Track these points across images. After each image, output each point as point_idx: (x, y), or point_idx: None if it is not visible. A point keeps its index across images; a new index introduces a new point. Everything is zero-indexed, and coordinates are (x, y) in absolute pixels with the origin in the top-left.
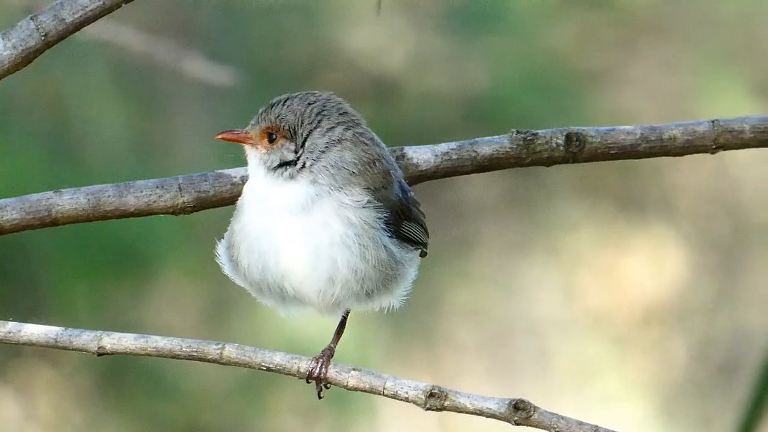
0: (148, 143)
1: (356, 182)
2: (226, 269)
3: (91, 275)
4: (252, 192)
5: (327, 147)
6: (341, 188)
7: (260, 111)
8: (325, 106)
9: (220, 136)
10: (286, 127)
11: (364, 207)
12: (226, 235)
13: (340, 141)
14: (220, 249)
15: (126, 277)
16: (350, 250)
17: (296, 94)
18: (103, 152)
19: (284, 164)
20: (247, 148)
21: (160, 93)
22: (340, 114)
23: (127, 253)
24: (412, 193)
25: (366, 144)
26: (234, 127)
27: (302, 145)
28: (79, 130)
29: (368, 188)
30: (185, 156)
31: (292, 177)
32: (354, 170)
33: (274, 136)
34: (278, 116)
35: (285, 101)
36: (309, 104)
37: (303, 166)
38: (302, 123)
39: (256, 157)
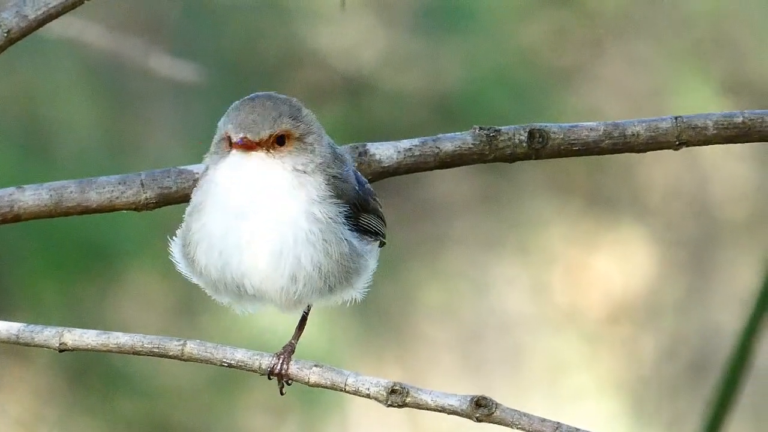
0: (118, 141)
1: (324, 176)
2: (180, 267)
3: (57, 272)
4: (240, 192)
5: (321, 143)
6: (314, 183)
7: (246, 116)
8: (301, 106)
9: (235, 150)
10: (298, 131)
11: (328, 202)
12: (179, 233)
13: (323, 137)
14: (174, 247)
15: (93, 275)
16: (314, 246)
17: (265, 95)
18: (72, 150)
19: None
20: (254, 154)
21: (129, 90)
22: (306, 110)
23: (94, 251)
24: (368, 185)
25: (326, 139)
26: (201, 124)
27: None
28: (47, 128)
29: (331, 182)
30: (155, 153)
31: (310, 176)
32: (326, 165)
33: (281, 140)
34: (285, 120)
35: (270, 103)
36: (295, 106)
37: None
38: (307, 124)
39: (274, 162)
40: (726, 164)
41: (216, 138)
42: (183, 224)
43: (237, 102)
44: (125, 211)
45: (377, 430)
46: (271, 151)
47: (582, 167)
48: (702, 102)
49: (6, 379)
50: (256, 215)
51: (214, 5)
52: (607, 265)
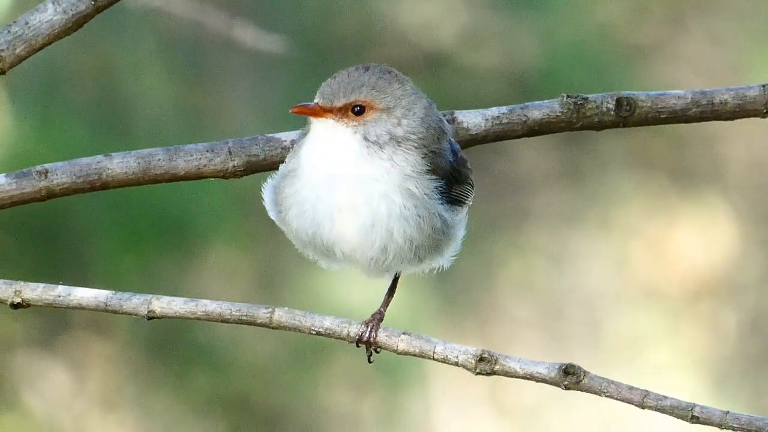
0: (197, 113)
1: (420, 152)
2: (271, 215)
3: (138, 245)
4: (320, 160)
5: (410, 118)
6: (407, 158)
7: (328, 84)
8: (398, 78)
9: (295, 110)
10: (382, 103)
11: (424, 177)
12: (271, 182)
13: (415, 112)
14: (266, 193)
15: (173, 248)
16: (407, 222)
17: (360, 66)
18: (151, 122)
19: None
20: (324, 121)
21: (208, 63)
22: (410, 85)
23: (174, 223)
24: (461, 153)
25: (431, 111)
26: (283, 97)
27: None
28: (127, 100)
29: (427, 156)
30: (233, 126)
31: (384, 148)
32: (422, 140)
33: (358, 109)
34: (364, 90)
35: (356, 74)
36: (385, 78)
37: (394, 139)
38: (395, 97)
39: (346, 130)
40: None
41: None
42: (277, 177)
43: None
44: (208, 182)
45: (459, 406)
46: (344, 119)
47: (664, 141)
48: None
49: (86, 355)
50: (348, 186)
51: None
52: (688, 240)
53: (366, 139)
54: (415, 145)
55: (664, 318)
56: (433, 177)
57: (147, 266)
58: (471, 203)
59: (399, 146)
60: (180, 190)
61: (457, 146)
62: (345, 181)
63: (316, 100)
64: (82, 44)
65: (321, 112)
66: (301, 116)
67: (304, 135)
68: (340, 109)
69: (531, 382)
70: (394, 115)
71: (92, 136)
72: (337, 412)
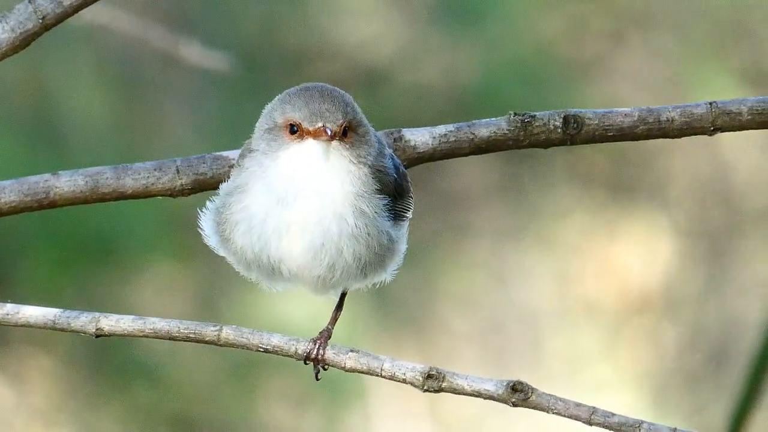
0: (138, 129)
1: (371, 170)
2: (211, 241)
3: (79, 262)
4: (279, 177)
5: (370, 135)
6: (361, 177)
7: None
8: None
9: (317, 137)
10: (354, 122)
11: (374, 196)
12: (211, 206)
13: (370, 129)
14: (204, 221)
15: (116, 265)
16: (357, 240)
17: (316, 86)
18: (93, 139)
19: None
20: (334, 143)
21: (148, 79)
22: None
23: (117, 240)
24: (402, 167)
25: (372, 130)
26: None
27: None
28: (67, 117)
29: (376, 174)
30: (175, 143)
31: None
32: (374, 158)
33: (345, 131)
34: (349, 110)
35: (330, 93)
36: (347, 97)
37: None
38: (357, 114)
39: (344, 152)
40: (747, 154)
41: (265, 125)
42: (217, 199)
43: (293, 91)
44: (141, 201)
45: (399, 420)
46: (341, 141)
47: (603, 157)
48: (722, 94)
49: (26, 370)
50: (301, 203)
51: None
52: (628, 256)
53: (358, 160)
54: (369, 163)
55: (603, 333)
56: (382, 194)
57: (88, 284)
58: (411, 216)
59: (366, 166)
60: (121, 206)
61: (398, 160)
62: (300, 199)
63: (315, 123)
64: (22, 60)
65: (333, 135)
66: (243, 132)
67: (248, 151)
68: (338, 131)
69: (474, 398)
70: (361, 133)
71: (34, 155)
72: (278, 427)
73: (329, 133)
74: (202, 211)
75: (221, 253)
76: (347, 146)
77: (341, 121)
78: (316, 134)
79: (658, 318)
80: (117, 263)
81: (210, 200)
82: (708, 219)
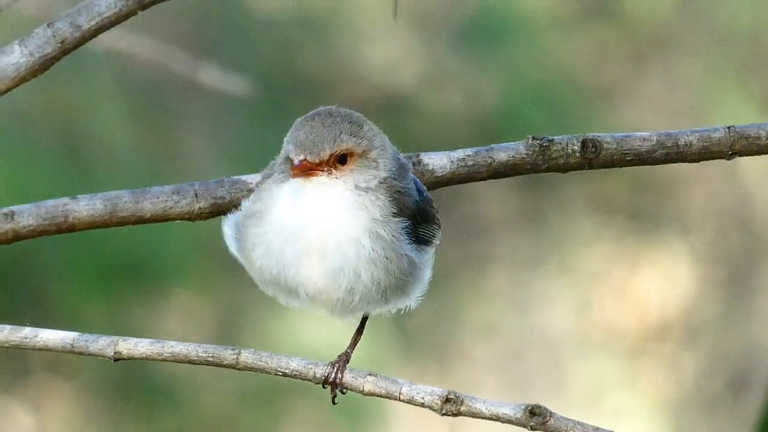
0: (159, 154)
1: (389, 193)
2: (231, 249)
3: (100, 286)
4: (288, 211)
5: (385, 157)
6: (377, 201)
7: (306, 136)
8: (362, 119)
9: (295, 175)
10: (360, 148)
11: (391, 220)
12: (233, 218)
13: (386, 149)
14: (226, 227)
15: (138, 289)
16: (375, 264)
17: (322, 112)
18: (114, 163)
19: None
20: (317, 178)
21: (170, 104)
22: (368, 125)
23: (139, 265)
24: (427, 193)
25: (391, 150)
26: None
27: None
28: (89, 142)
29: (394, 197)
30: (196, 167)
31: (369, 193)
32: (387, 181)
33: (342, 158)
34: (344, 137)
35: (328, 121)
36: (355, 122)
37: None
38: (368, 138)
39: (337, 182)
40: (767, 182)
41: (282, 154)
42: (238, 214)
43: (300, 118)
44: (172, 223)
45: None
46: (333, 171)
47: (624, 185)
48: (742, 120)
49: (48, 397)
50: (317, 230)
51: (255, 21)
52: (648, 283)
53: (357, 187)
54: (385, 185)
55: (624, 360)
56: (401, 217)
57: (110, 308)
58: (438, 243)
59: (379, 189)
60: (143, 231)
61: (422, 185)
62: (315, 227)
63: (298, 156)
64: (45, 86)
65: (313, 168)
66: (263, 157)
67: (268, 176)
68: (327, 162)
69: (493, 422)
70: (371, 158)
71: (56, 178)
72: None
73: (300, 166)
74: (224, 217)
75: (241, 261)
76: (344, 174)
77: (327, 152)
78: (295, 169)
79: (677, 345)
80: (139, 288)
81: (232, 211)
82: (727, 246)
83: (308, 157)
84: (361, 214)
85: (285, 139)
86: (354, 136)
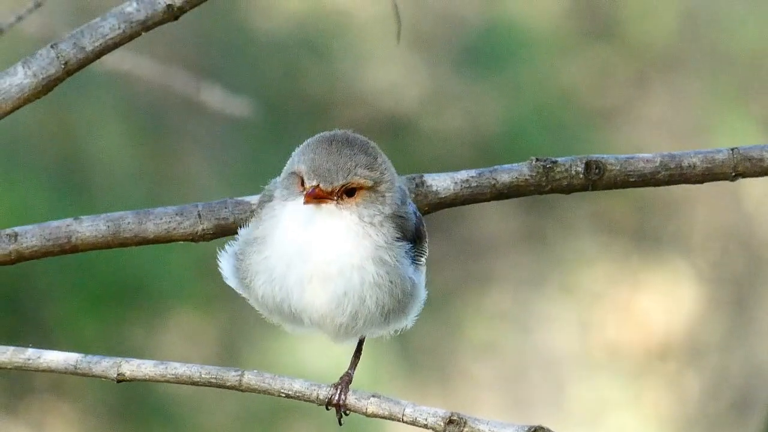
0: (161, 175)
1: (394, 221)
2: (231, 283)
3: (103, 308)
4: (293, 233)
5: (392, 191)
6: (383, 230)
7: (321, 163)
8: (376, 150)
9: (307, 202)
10: (370, 181)
11: (395, 245)
12: (230, 250)
13: (394, 182)
14: (224, 262)
15: (139, 310)
16: (380, 288)
17: (338, 137)
18: (116, 184)
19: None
20: (327, 205)
21: (172, 125)
22: (381, 157)
23: (140, 286)
24: (417, 211)
25: (397, 182)
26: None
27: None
28: (91, 163)
29: (398, 224)
30: (198, 188)
31: (374, 227)
32: (392, 216)
33: (351, 191)
34: (359, 171)
35: (347, 151)
36: (370, 153)
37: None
38: (380, 172)
39: (343, 213)
40: None
41: (287, 169)
42: (236, 244)
43: (315, 139)
44: (172, 244)
45: None
46: (340, 201)
47: (627, 206)
48: (745, 141)
49: (49, 418)
50: (321, 256)
51: (258, 43)
52: (651, 303)
53: (362, 220)
54: (376, 222)
55: (627, 380)
56: (403, 242)
57: (112, 329)
58: (425, 261)
59: (381, 224)
60: (144, 252)
61: (413, 204)
62: (319, 253)
63: (311, 181)
64: (48, 107)
65: (325, 197)
66: (265, 178)
67: (268, 199)
68: (337, 191)
69: None
70: (380, 191)
71: (58, 199)
72: None
73: (313, 194)
74: (221, 252)
75: (242, 294)
76: (350, 206)
77: (340, 182)
78: (309, 196)
79: (681, 365)
80: (141, 309)
81: (229, 244)
82: (730, 267)
83: (321, 185)
84: (365, 242)
85: (295, 155)
86: (368, 169)
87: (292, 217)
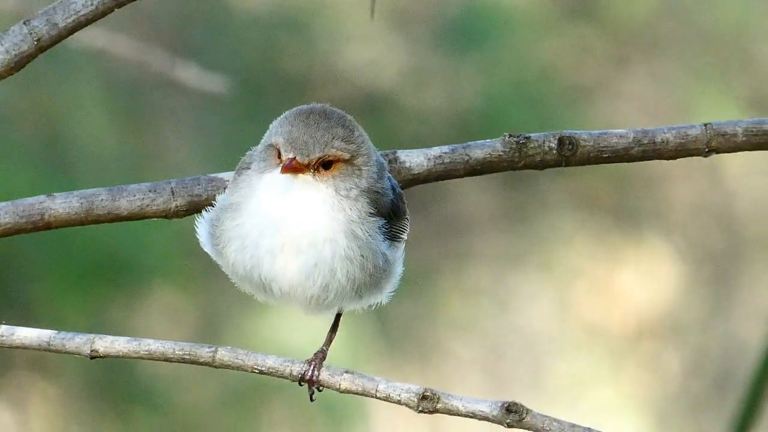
0: (139, 153)
1: (368, 196)
2: (206, 248)
3: (79, 285)
4: (267, 202)
5: (369, 165)
6: (357, 204)
7: (299, 136)
8: (353, 124)
9: (287, 172)
10: (347, 154)
11: (368, 220)
12: (207, 216)
13: (371, 156)
14: (200, 227)
15: (117, 288)
16: (351, 262)
17: (315, 110)
18: (94, 161)
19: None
20: (303, 177)
21: (149, 103)
22: (358, 130)
23: (119, 264)
24: (399, 188)
25: (375, 156)
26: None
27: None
28: (68, 140)
29: (372, 199)
30: (175, 165)
31: (349, 200)
32: (368, 190)
33: (327, 163)
34: (336, 143)
35: (324, 124)
36: (347, 127)
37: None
38: (357, 145)
39: (319, 186)
40: (749, 180)
41: (264, 140)
42: (213, 210)
43: (292, 112)
44: (150, 221)
45: None
46: (317, 174)
47: (606, 182)
48: (724, 119)
49: (28, 395)
50: (293, 226)
51: (235, 19)
52: (631, 281)
53: (338, 193)
54: (353, 196)
55: (606, 358)
56: (377, 217)
57: (90, 306)
58: (406, 238)
59: (356, 198)
60: (123, 229)
61: (394, 180)
62: (294, 223)
63: (288, 153)
64: (24, 84)
65: (301, 168)
66: (241, 155)
67: (245, 167)
68: (314, 163)
69: (472, 420)
70: (356, 165)
71: (34, 176)
72: None
73: (290, 166)
74: (198, 218)
75: (216, 260)
76: (326, 178)
77: (317, 154)
78: (286, 167)
79: (661, 343)
80: (119, 287)
81: (206, 210)
82: (710, 244)
83: (298, 157)
84: (338, 216)
85: (272, 127)
86: (345, 142)
87: (269, 188)
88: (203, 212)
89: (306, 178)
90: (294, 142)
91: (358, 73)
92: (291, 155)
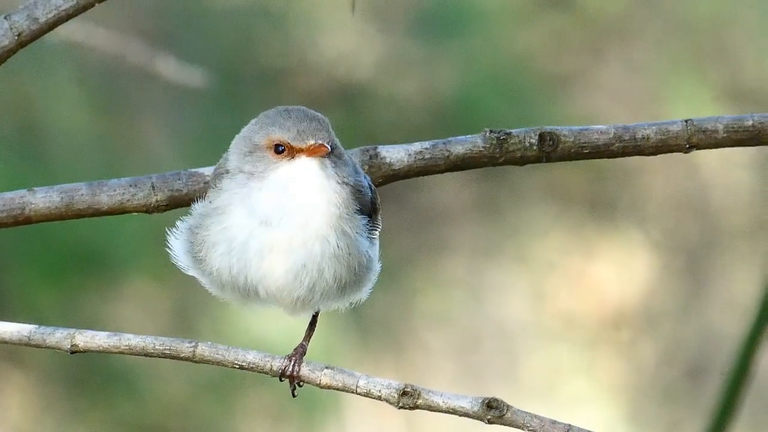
0: (117, 144)
1: (351, 190)
2: (180, 261)
3: (54, 278)
4: (266, 197)
5: (345, 156)
6: (344, 198)
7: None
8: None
9: (312, 153)
10: (336, 147)
11: (355, 217)
12: (182, 226)
13: (343, 150)
14: (174, 241)
15: (94, 280)
16: (339, 261)
17: (297, 108)
18: (72, 154)
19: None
20: (326, 159)
21: (128, 95)
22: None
23: (96, 256)
24: (372, 184)
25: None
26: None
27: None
28: (47, 133)
29: (355, 197)
30: (153, 158)
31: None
32: (350, 180)
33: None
34: (330, 131)
35: (313, 116)
36: (324, 119)
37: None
38: (336, 140)
39: (320, 166)
40: (725, 171)
41: (245, 148)
42: (190, 219)
43: (272, 113)
44: (128, 215)
45: None
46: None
47: (581, 175)
48: (700, 109)
49: (3, 386)
50: (286, 224)
51: (212, 11)
52: (605, 272)
53: (342, 181)
54: (351, 183)
55: (581, 349)
56: (361, 215)
57: (66, 299)
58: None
59: (348, 186)
60: (100, 223)
61: (368, 177)
62: (285, 220)
63: (307, 140)
64: (2, 77)
65: (327, 150)
66: (220, 148)
67: (225, 172)
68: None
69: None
70: (337, 154)
71: (13, 170)
72: None
73: (328, 147)
74: (170, 231)
75: (191, 273)
76: (333, 165)
77: (329, 138)
78: (310, 151)
79: (635, 334)
80: (96, 279)
81: (180, 220)
82: (685, 235)
83: (319, 141)
84: (333, 211)
85: (247, 133)
86: (329, 133)
87: (290, 179)
88: (177, 224)
89: (327, 162)
90: (305, 131)
91: (334, 63)
92: (312, 141)
